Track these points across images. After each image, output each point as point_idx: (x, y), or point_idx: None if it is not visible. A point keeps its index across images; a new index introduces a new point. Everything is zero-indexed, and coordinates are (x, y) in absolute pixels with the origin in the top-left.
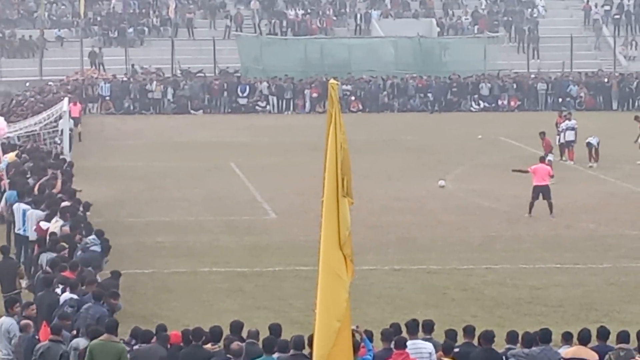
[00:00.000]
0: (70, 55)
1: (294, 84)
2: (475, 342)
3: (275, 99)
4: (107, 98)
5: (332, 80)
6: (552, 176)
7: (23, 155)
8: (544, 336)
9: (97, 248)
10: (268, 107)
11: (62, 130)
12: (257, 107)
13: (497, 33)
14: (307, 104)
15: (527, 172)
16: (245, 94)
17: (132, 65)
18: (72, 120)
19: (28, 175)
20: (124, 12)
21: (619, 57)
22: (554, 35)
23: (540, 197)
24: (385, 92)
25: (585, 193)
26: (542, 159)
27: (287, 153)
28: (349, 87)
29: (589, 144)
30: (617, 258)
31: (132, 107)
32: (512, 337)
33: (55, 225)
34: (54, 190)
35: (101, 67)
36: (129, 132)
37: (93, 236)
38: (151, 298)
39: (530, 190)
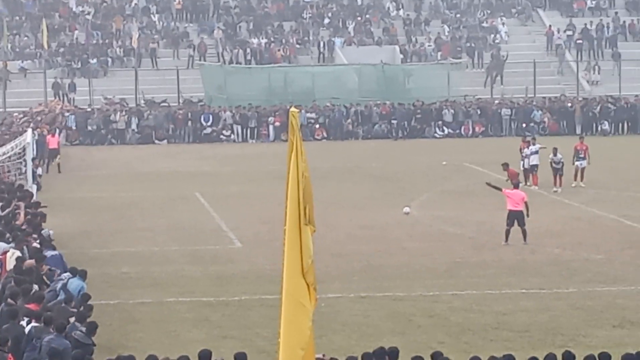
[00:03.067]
0: (33, 87)
1: (258, 112)
2: None
3: (239, 127)
4: (74, 128)
5: (292, 109)
6: (527, 208)
7: None
8: None
9: (76, 284)
10: (232, 136)
11: (25, 162)
12: (221, 136)
13: (460, 59)
14: (272, 133)
15: (500, 190)
16: (209, 123)
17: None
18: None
19: None
20: (87, 42)
21: (582, 81)
22: (517, 61)
23: (515, 223)
24: (349, 120)
25: (549, 218)
26: (516, 185)
27: (251, 182)
28: (313, 115)
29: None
30: (582, 282)
31: (94, 139)
32: None
33: (12, 257)
34: (17, 222)
35: (65, 98)
36: (93, 163)
37: (67, 274)
38: (117, 329)
39: (494, 216)
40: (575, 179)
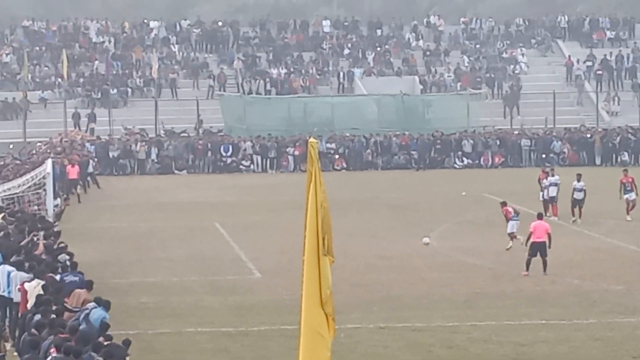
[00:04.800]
0: (54, 117)
1: (277, 142)
2: None
3: (259, 158)
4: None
5: (311, 139)
6: (549, 239)
7: (8, 218)
8: None
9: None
10: (252, 166)
11: (45, 192)
12: (241, 167)
13: (479, 90)
14: (291, 163)
15: (529, 236)
16: (229, 154)
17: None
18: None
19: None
20: (107, 73)
21: (602, 112)
22: (536, 92)
23: (538, 254)
24: (368, 150)
25: (569, 248)
26: (540, 216)
27: (271, 212)
28: (332, 145)
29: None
30: (602, 313)
31: (114, 169)
32: None
33: (36, 288)
34: (37, 252)
35: (88, 129)
36: (113, 193)
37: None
38: (136, 359)
39: (514, 247)
40: (627, 212)
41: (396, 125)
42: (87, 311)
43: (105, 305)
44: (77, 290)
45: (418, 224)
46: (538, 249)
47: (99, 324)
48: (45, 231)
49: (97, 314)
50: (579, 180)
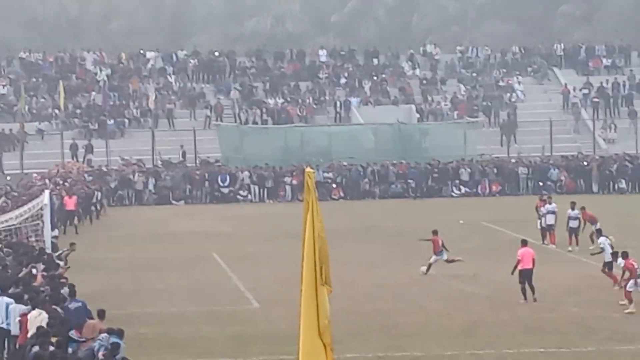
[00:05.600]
0: (51, 148)
1: (274, 172)
2: None
3: (256, 187)
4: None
5: (308, 169)
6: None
7: (5, 249)
8: None
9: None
10: (249, 196)
11: (43, 223)
12: (238, 197)
13: (476, 118)
14: (289, 193)
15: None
16: (226, 184)
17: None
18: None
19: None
20: (104, 104)
21: (599, 140)
22: (533, 120)
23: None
24: (366, 179)
25: (567, 276)
26: (524, 243)
27: (269, 242)
28: (329, 175)
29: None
30: (600, 341)
31: (114, 199)
32: None
33: (37, 318)
34: (35, 284)
35: (85, 160)
36: (110, 224)
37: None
38: None
39: (512, 275)
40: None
41: (393, 154)
42: (101, 341)
43: (118, 334)
44: (91, 321)
45: (416, 252)
46: (527, 276)
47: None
48: (45, 263)
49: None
50: (573, 209)
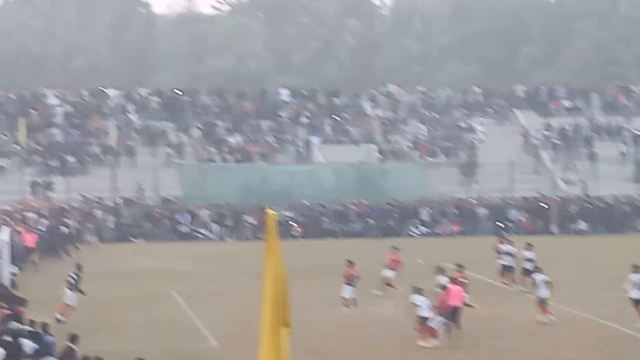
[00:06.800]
0: (11, 185)
1: (235, 210)
2: None
3: (216, 226)
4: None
5: (269, 211)
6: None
7: None
8: None
9: None
10: (209, 234)
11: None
12: (198, 235)
13: (437, 158)
14: (249, 231)
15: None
16: (186, 221)
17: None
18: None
19: None
20: (65, 141)
21: (558, 181)
22: (493, 160)
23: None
24: (326, 218)
25: (526, 317)
26: (453, 280)
27: (228, 280)
28: (290, 214)
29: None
30: None
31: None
32: None
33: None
34: None
35: (45, 197)
36: (69, 261)
37: None
38: None
39: (468, 315)
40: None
41: (354, 194)
42: None
43: None
44: None
45: (375, 292)
46: (453, 311)
47: None
48: (3, 299)
49: None
50: (528, 250)
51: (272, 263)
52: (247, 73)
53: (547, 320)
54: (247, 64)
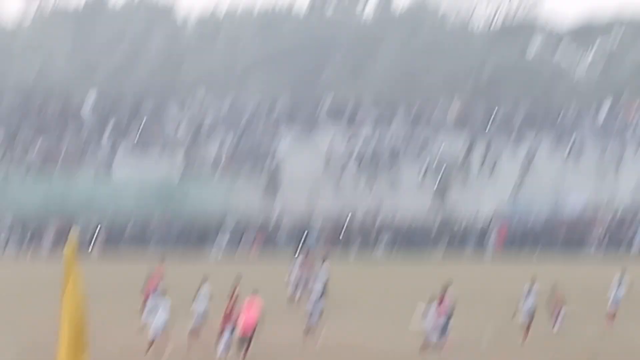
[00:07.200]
0: None
1: (34, 226)
2: None
3: (14, 241)
4: None
5: (71, 236)
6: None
7: None
8: None
9: None
10: (5, 251)
11: None
12: None
13: (239, 176)
14: (47, 248)
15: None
16: None
17: None
18: None
19: None
20: None
21: (362, 199)
22: (296, 177)
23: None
24: (127, 236)
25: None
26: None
27: (23, 303)
28: (93, 230)
29: None
30: None
31: None
32: None
33: None
34: None
35: None
36: None
37: None
38: None
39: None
40: None
41: (155, 211)
42: None
43: None
44: None
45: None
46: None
47: None
48: None
49: None
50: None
51: (71, 290)
52: (50, 81)
53: None
54: (51, 72)
